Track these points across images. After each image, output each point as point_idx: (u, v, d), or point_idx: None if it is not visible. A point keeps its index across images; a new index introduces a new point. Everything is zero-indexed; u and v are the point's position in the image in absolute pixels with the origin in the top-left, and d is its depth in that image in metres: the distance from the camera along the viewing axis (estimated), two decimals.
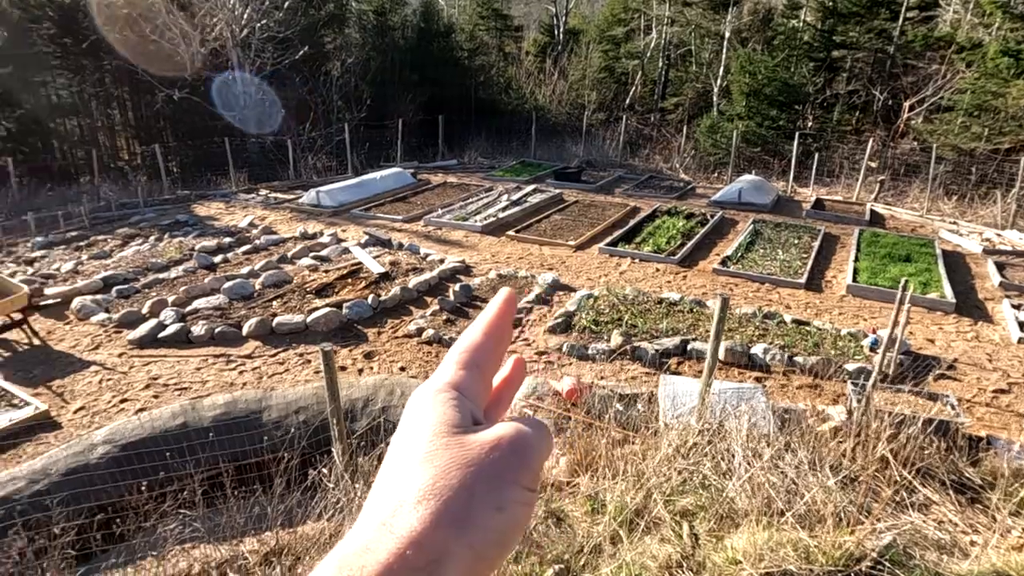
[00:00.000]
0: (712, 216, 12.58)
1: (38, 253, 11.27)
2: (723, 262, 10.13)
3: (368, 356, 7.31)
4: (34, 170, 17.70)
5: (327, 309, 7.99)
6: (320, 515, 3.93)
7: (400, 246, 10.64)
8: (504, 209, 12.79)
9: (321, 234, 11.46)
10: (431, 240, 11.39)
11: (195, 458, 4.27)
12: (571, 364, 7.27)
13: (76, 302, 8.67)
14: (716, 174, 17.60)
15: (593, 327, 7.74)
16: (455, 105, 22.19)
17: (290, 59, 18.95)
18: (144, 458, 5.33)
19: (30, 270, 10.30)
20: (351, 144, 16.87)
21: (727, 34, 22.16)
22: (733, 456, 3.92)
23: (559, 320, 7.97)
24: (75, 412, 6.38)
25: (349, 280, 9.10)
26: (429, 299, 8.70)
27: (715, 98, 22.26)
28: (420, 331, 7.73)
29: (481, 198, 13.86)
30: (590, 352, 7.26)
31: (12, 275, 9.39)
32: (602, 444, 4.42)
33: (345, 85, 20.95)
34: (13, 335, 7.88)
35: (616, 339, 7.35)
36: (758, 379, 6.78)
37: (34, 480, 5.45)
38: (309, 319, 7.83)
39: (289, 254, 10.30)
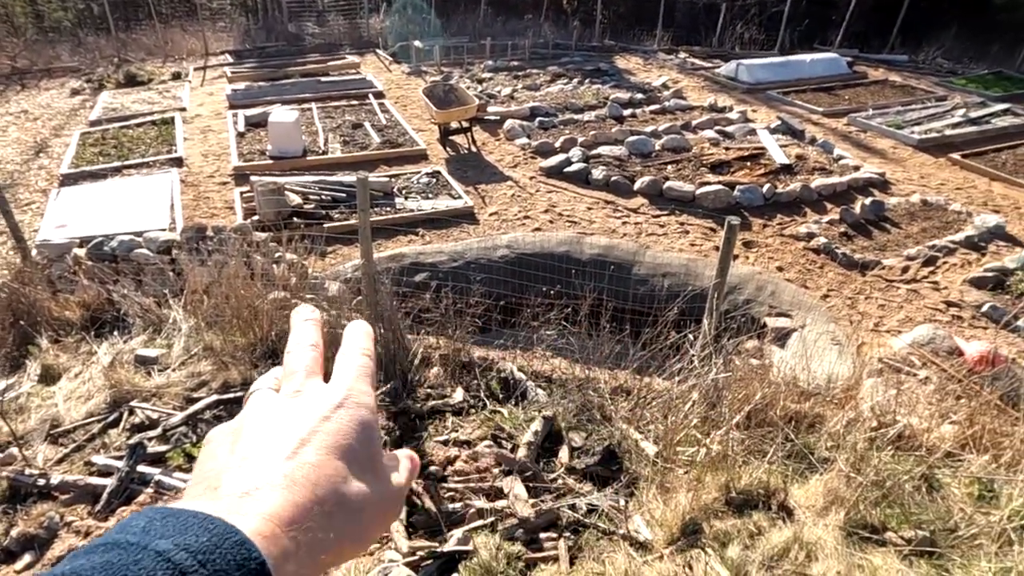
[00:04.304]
0: None
1: (487, 75, 13.10)
2: None
3: (747, 245, 7.02)
4: (493, 1, 20.12)
5: (718, 186, 7.79)
6: (671, 376, 4.07)
7: (812, 140, 9.61)
8: (955, 126, 10.48)
9: (730, 109, 10.95)
10: (849, 142, 10.03)
11: (582, 283, 4.73)
12: (986, 329, 6.00)
13: (507, 124, 9.96)
14: None
15: None
16: None
17: None
18: (533, 267, 6.13)
19: (479, 88, 12.08)
20: (788, 18, 15.28)
21: None
22: None
23: (988, 274, 6.50)
24: (490, 215, 7.54)
25: (748, 163, 8.64)
26: (830, 205, 7.83)
27: None
28: (810, 236, 7.08)
29: (927, 107, 11.53)
30: (1021, 324, 5.84)
31: (468, 88, 11.12)
32: (1016, 436, 3.60)
33: None
34: (460, 139, 9.49)
35: None
36: None
37: (454, 259, 6.72)
38: (698, 191, 7.75)
39: (693, 123, 10.14)
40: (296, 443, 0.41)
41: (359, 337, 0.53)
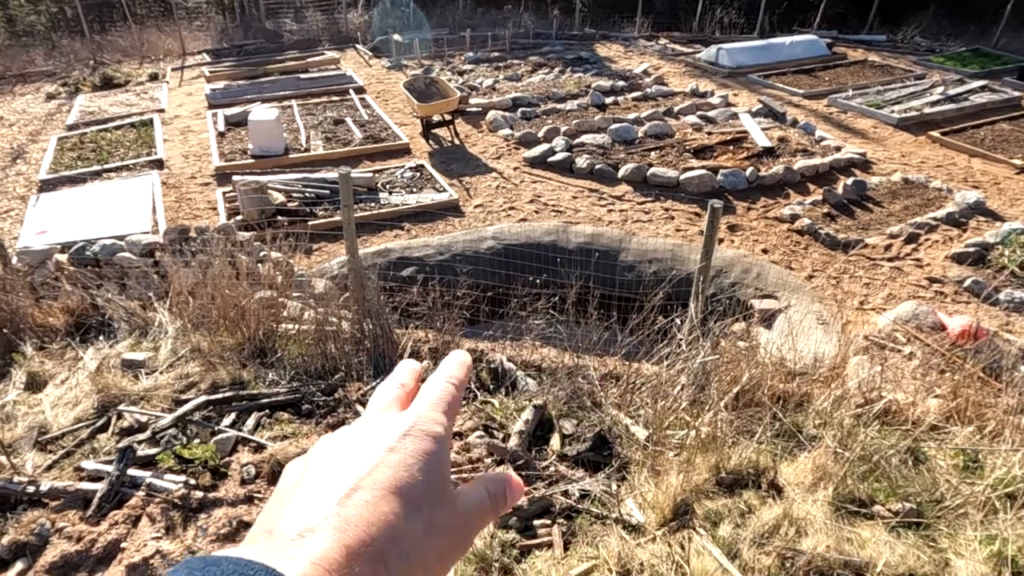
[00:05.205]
0: None
1: (468, 67, 13.04)
2: None
3: (732, 229, 7.06)
4: None
5: (702, 171, 7.81)
6: (660, 360, 4.09)
7: (794, 123, 9.66)
8: (934, 104, 10.56)
9: (712, 94, 10.98)
10: (830, 123, 10.09)
11: (569, 271, 4.74)
12: (968, 304, 6.08)
13: (490, 115, 9.93)
14: None
15: (1018, 271, 6.23)
16: None
17: None
18: (520, 258, 6.13)
19: (460, 80, 12.02)
20: (767, 1, 15.31)
21: None
22: None
23: (970, 250, 6.59)
24: (475, 207, 7.53)
25: (730, 147, 8.68)
26: (812, 187, 7.89)
27: None
28: (794, 217, 7.13)
29: (906, 86, 11.61)
30: (1002, 298, 5.92)
31: (449, 81, 11.07)
32: (999, 407, 3.66)
33: None
34: (442, 132, 9.46)
35: None
36: None
37: (440, 252, 6.72)
38: (682, 177, 7.78)
39: (675, 108, 10.16)
40: (355, 480, 0.40)
41: (450, 365, 0.53)
